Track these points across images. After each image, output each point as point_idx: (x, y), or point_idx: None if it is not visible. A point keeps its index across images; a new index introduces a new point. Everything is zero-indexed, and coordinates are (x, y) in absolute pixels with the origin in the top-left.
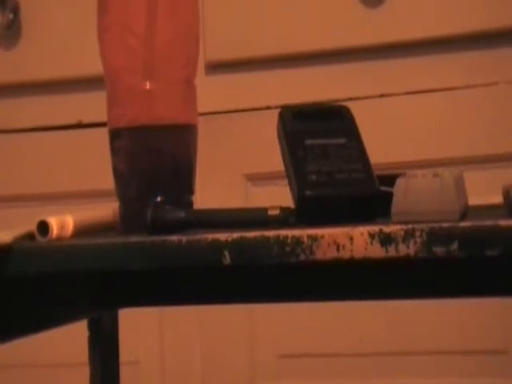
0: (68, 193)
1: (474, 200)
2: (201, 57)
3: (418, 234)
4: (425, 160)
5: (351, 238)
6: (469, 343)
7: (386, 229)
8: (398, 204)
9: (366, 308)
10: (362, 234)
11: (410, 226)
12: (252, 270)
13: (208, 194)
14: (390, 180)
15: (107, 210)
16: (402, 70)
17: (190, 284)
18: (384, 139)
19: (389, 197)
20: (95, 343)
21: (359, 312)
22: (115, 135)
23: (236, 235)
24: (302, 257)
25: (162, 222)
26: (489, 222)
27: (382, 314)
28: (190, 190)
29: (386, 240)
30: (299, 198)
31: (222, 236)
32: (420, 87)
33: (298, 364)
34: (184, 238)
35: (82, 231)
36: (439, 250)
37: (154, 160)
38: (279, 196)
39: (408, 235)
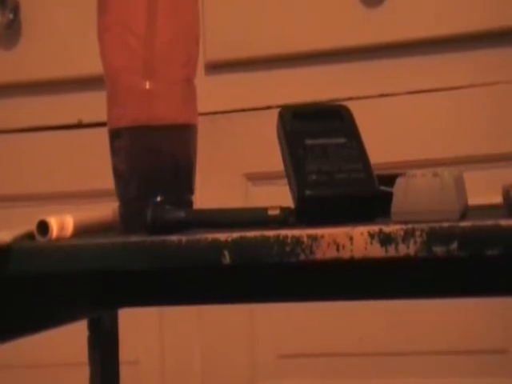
0: (68, 193)
1: (473, 200)
2: (201, 57)
3: (417, 233)
4: (425, 160)
5: (351, 238)
6: (469, 343)
7: (386, 229)
8: (397, 204)
9: (366, 308)
10: (361, 233)
11: (409, 226)
12: (252, 270)
13: (208, 194)
14: (390, 180)
15: (107, 209)
16: (402, 69)
17: (189, 284)
18: (384, 139)
19: (389, 197)
20: (95, 343)
21: (359, 312)
22: (115, 135)
23: (236, 235)
24: (302, 257)
25: (161, 221)
26: (489, 222)
27: (382, 314)
28: (190, 190)
29: (385, 240)
30: (299, 198)
31: (222, 236)
32: (420, 87)
33: (298, 364)
34: (184, 238)
35: (81, 231)
36: (439, 249)
37: (154, 160)
38: (279, 196)
39: (408, 235)
